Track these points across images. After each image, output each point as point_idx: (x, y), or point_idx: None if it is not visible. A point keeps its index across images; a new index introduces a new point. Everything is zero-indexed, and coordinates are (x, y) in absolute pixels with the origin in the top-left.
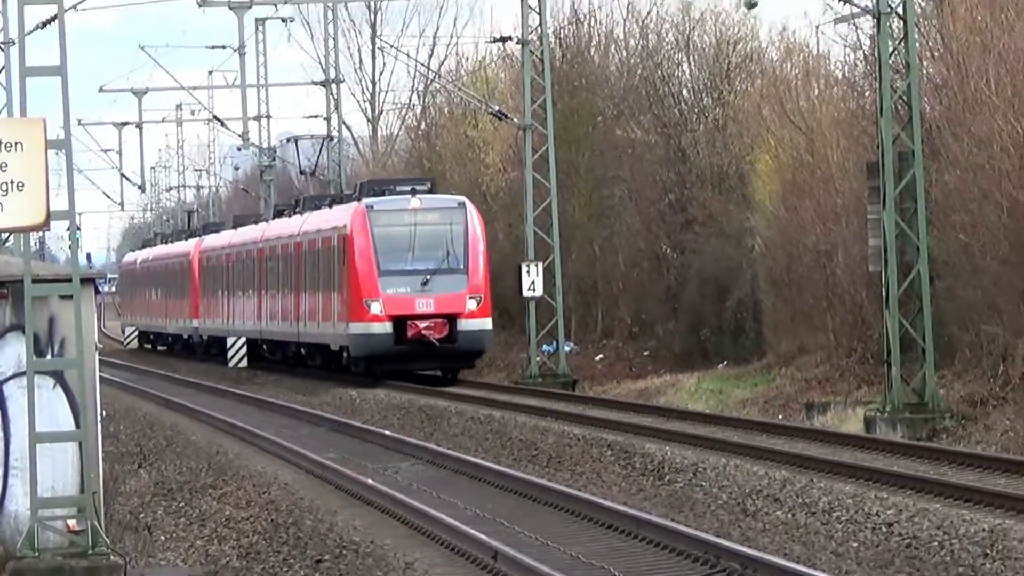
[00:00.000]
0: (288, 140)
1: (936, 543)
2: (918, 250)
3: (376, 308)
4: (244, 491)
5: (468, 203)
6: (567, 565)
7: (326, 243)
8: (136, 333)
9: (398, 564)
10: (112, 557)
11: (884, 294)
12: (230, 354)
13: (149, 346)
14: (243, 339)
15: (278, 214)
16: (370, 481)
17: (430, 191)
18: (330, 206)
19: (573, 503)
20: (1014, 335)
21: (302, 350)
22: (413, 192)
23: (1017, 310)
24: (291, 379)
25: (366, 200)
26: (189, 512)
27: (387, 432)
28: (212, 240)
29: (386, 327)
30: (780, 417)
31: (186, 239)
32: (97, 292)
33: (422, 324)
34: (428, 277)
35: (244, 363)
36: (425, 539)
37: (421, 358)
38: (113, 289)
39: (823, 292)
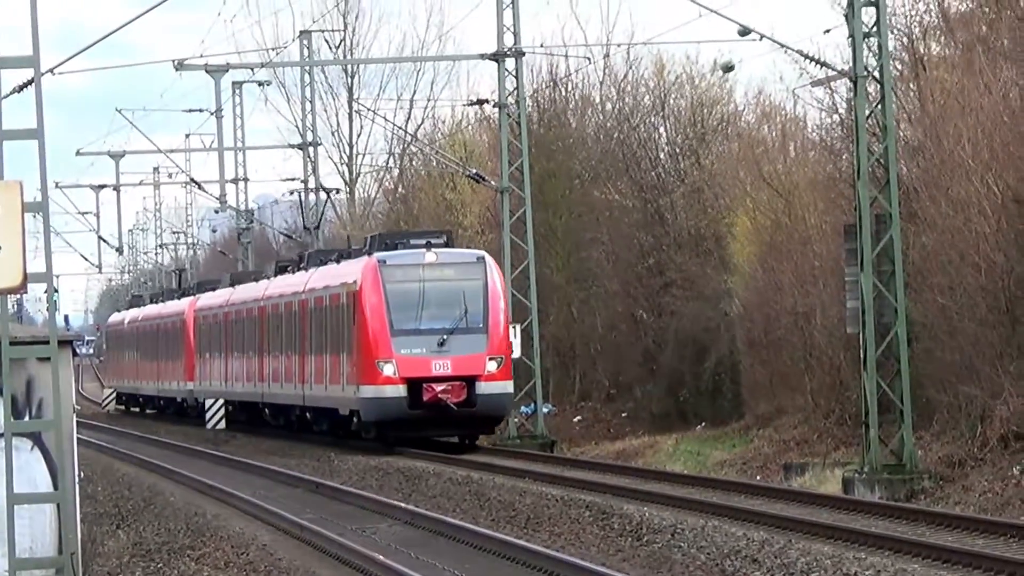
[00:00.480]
0: (291, 193)
1: None
2: (896, 312)
3: (389, 370)
4: (222, 552)
5: (488, 257)
6: None
7: (334, 300)
8: (113, 395)
9: None
10: None
11: (862, 356)
12: (208, 415)
13: (137, 409)
14: (221, 401)
15: (280, 270)
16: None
17: (446, 245)
18: (338, 261)
19: (551, 564)
20: (992, 396)
21: (307, 415)
22: (428, 246)
23: (995, 371)
24: (269, 441)
25: (378, 254)
26: (167, 573)
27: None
28: (208, 299)
29: (400, 390)
30: (758, 478)
31: (179, 298)
32: (75, 354)
33: (439, 387)
34: (445, 337)
35: (222, 425)
36: None
37: (437, 423)
38: (91, 351)
39: (801, 354)
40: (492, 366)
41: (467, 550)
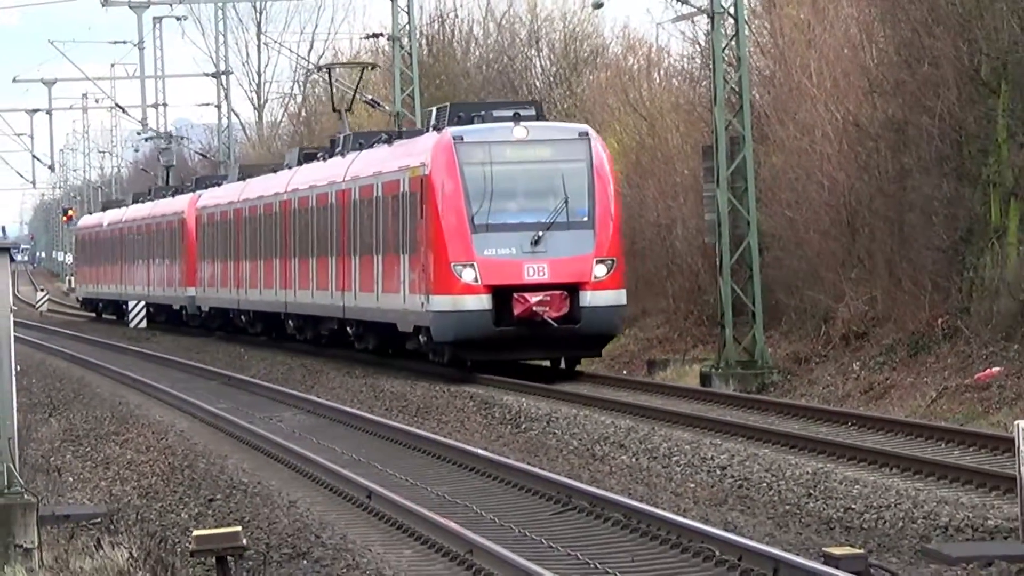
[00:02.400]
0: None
1: (765, 484)
2: (748, 224)
3: (469, 276)
4: (144, 437)
5: (592, 133)
6: (435, 503)
7: (390, 190)
8: (47, 297)
9: (282, 502)
10: (26, 496)
11: (718, 263)
12: (131, 315)
13: (113, 317)
14: (143, 302)
15: (307, 158)
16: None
17: (537, 117)
18: (390, 142)
19: (440, 448)
20: (834, 300)
21: (349, 329)
22: (516, 118)
23: (837, 278)
24: (187, 338)
25: (451, 129)
26: (95, 456)
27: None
28: (214, 195)
29: (483, 302)
30: (625, 372)
31: (173, 195)
32: (12, 260)
33: (533, 298)
34: (540, 234)
35: (144, 324)
36: (307, 480)
37: (531, 344)
38: (26, 258)
39: (664, 261)
40: (600, 271)
41: (364, 436)
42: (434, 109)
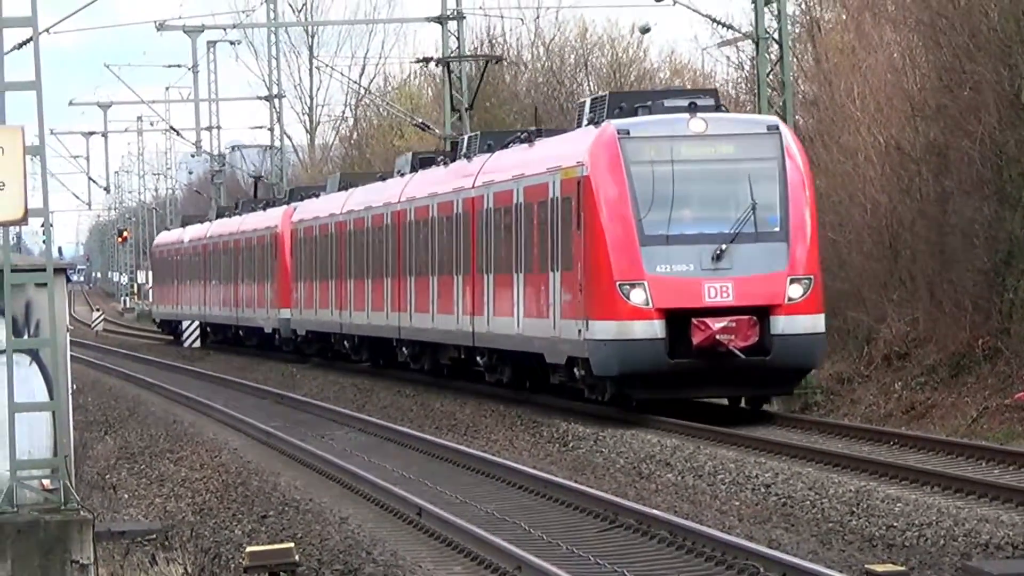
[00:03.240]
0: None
1: (808, 502)
2: None
3: (638, 298)
4: (198, 455)
5: (783, 127)
6: (483, 520)
7: (535, 195)
8: (103, 317)
9: (334, 519)
10: (82, 512)
11: None
12: (185, 335)
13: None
14: (196, 322)
15: (423, 163)
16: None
17: (716, 108)
18: (530, 141)
19: (489, 466)
20: (877, 321)
21: (479, 358)
22: (692, 109)
23: (879, 299)
24: (239, 357)
25: (615, 122)
26: (149, 473)
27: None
28: (312, 207)
29: (655, 328)
30: None
31: (264, 209)
32: (68, 280)
33: (716, 324)
34: (723, 247)
35: (197, 344)
36: (358, 497)
37: (711, 380)
38: (81, 279)
39: None
40: (796, 291)
41: (414, 454)
42: (587, 100)
